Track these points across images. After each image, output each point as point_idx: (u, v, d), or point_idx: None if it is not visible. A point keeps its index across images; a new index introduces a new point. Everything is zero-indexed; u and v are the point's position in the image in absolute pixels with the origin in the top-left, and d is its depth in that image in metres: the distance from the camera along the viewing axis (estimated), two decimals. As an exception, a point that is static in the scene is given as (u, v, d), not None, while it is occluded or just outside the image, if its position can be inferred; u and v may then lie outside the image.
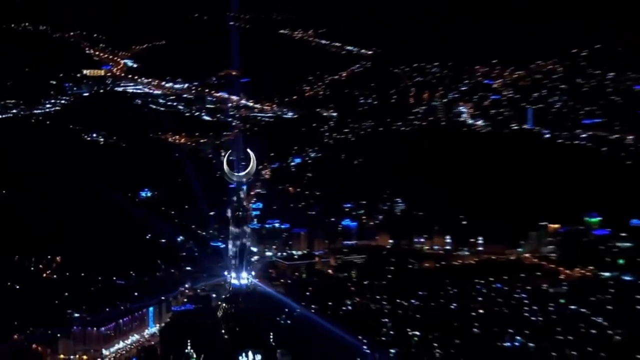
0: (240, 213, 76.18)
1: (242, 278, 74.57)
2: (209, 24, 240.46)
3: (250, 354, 73.62)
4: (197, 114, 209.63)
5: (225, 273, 75.12)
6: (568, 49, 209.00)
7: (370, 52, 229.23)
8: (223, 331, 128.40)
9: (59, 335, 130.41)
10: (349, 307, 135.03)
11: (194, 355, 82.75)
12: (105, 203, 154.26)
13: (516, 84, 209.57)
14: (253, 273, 78.10)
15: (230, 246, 75.97)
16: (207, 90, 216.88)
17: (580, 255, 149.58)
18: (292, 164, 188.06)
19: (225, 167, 72.13)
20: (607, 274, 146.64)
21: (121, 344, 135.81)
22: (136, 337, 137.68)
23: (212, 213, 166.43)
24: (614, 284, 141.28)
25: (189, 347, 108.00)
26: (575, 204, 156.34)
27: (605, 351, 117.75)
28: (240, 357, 74.85)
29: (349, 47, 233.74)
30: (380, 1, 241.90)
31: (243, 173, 71.57)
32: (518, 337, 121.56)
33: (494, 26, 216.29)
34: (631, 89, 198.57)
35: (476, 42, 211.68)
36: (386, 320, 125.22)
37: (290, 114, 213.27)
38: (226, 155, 73.50)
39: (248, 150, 75.19)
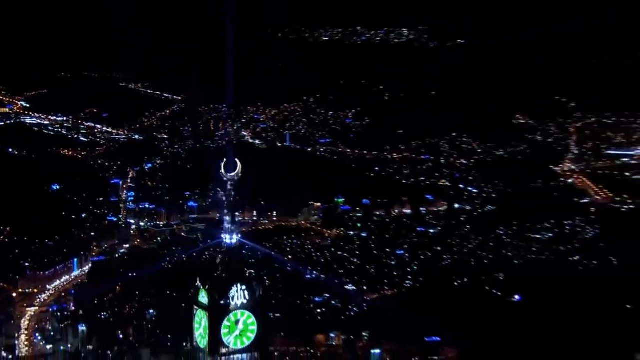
0: (232, 199, 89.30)
1: (232, 239, 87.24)
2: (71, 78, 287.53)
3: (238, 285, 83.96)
4: (76, 136, 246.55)
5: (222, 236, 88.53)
6: (304, 96, 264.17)
7: (180, 98, 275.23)
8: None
9: (17, 277, 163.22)
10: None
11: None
12: (33, 191, 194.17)
13: (274, 118, 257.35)
14: (239, 236, 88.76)
15: (225, 219, 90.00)
16: (79, 121, 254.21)
17: (334, 221, 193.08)
18: (146, 167, 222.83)
19: (222, 169, 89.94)
20: (350, 232, 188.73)
21: (57, 282, 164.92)
22: (66, 277, 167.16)
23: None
24: (356, 238, 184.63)
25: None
26: (329, 192, 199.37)
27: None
28: (233, 288, 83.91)
29: (166, 95, 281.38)
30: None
31: (233, 174, 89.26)
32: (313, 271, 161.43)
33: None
34: (345, 123, 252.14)
35: (247, 90, 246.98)
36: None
37: (137, 136, 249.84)
38: (223, 163, 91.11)
39: (236, 159, 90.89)
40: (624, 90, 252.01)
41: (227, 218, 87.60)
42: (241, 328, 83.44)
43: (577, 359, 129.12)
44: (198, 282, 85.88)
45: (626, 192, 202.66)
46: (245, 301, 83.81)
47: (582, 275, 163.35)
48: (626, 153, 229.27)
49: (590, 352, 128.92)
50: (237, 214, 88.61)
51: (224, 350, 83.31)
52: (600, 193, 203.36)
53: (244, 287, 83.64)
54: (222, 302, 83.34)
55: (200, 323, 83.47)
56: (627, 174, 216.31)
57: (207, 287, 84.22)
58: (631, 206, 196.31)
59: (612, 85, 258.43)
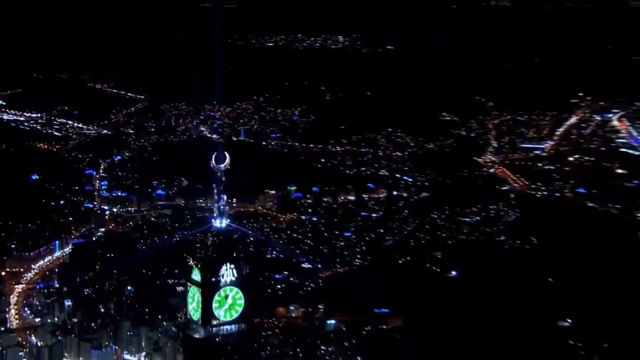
0: (222, 187, 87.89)
1: (222, 223, 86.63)
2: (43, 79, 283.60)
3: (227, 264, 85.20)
4: (50, 131, 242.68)
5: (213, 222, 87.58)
6: (254, 96, 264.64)
7: (143, 96, 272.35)
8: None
9: (4, 257, 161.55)
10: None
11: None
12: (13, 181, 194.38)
13: (229, 115, 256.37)
14: (228, 221, 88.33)
15: (215, 207, 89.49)
16: (52, 118, 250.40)
17: (287, 207, 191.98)
18: (116, 159, 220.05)
19: (213, 161, 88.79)
20: (303, 217, 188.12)
21: (41, 262, 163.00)
22: (49, 257, 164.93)
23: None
24: (308, 223, 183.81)
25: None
26: (281, 181, 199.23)
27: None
28: (223, 267, 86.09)
29: (130, 94, 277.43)
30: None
31: (222, 165, 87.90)
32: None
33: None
34: (292, 119, 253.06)
35: (203, 90, 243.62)
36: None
37: (106, 131, 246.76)
38: (214, 156, 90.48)
39: (225, 152, 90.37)
40: (533, 92, 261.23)
41: (217, 204, 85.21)
42: (230, 302, 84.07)
43: (506, 325, 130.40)
44: (191, 261, 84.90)
45: (539, 180, 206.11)
46: (233, 278, 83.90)
47: (508, 253, 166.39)
48: (537, 146, 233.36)
49: (517, 319, 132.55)
50: (224, 201, 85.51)
51: (214, 322, 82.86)
52: (517, 181, 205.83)
53: (232, 266, 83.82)
54: (213, 279, 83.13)
55: (194, 298, 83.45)
56: (539, 164, 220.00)
57: (199, 266, 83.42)
58: (544, 192, 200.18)
59: (523, 87, 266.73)
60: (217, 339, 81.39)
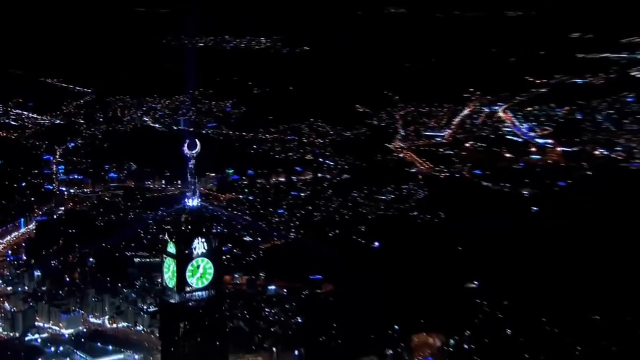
0: (194, 170, 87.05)
1: (194, 202, 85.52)
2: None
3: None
4: (7, 121, 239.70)
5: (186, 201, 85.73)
6: (190, 90, 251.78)
7: (91, 90, 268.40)
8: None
9: None
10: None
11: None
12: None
13: (169, 107, 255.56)
14: (200, 200, 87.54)
15: (188, 187, 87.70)
16: (9, 109, 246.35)
17: (227, 188, 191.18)
18: (70, 146, 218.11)
19: (185, 148, 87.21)
20: (241, 196, 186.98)
21: (9, 237, 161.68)
22: (15, 233, 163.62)
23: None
24: (245, 201, 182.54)
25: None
26: (220, 165, 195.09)
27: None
28: (195, 241, 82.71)
29: (79, 88, 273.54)
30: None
31: (194, 151, 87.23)
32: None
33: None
34: (225, 111, 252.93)
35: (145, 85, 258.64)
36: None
37: (59, 121, 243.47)
38: (186, 143, 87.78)
39: (196, 139, 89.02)
40: (432, 87, 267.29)
41: (190, 186, 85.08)
42: (201, 272, 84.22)
43: (422, 287, 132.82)
44: (167, 236, 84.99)
45: (441, 163, 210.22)
46: (204, 251, 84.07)
47: (421, 225, 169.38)
48: (438, 134, 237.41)
49: (432, 282, 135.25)
50: (196, 183, 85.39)
51: (188, 289, 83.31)
52: (424, 164, 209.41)
53: (203, 240, 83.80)
54: (186, 252, 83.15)
55: (169, 268, 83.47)
56: (441, 150, 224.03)
57: (174, 240, 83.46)
58: (447, 174, 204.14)
59: (423, 84, 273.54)
60: (190, 304, 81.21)
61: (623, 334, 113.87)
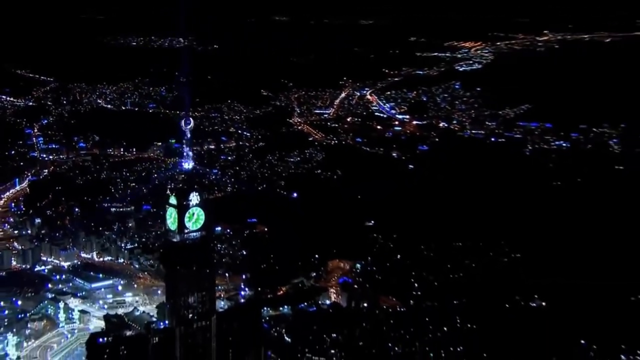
0: (188, 142, 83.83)
1: (189, 165, 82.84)
2: None
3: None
4: None
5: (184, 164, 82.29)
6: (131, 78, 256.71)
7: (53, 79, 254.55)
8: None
9: None
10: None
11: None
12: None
13: (115, 92, 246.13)
14: (193, 163, 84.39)
15: (184, 154, 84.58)
16: None
17: (171, 154, 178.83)
18: (44, 122, 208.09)
19: (182, 123, 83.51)
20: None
21: (7, 193, 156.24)
22: (12, 190, 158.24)
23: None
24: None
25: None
26: (163, 135, 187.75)
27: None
28: (191, 194, 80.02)
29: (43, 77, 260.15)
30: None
31: (189, 126, 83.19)
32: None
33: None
34: (161, 94, 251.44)
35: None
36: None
37: (31, 103, 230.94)
38: (183, 121, 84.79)
39: (190, 118, 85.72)
40: (316, 76, 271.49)
41: (185, 153, 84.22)
42: (195, 218, 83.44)
43: (327, 226, 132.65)
44: (169, 191, 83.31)
45: (330, 133, 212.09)
46: (197, 201, 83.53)
47: (325, 180, 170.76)
48: (324, 112, 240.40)
49: (335, 222, 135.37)
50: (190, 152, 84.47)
51: (186, 231, 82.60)
52: (317, 134, 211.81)
53: (197, 194, 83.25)
54: (184, 202, 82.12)
55: (171, 215, 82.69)
56: (328, 123, 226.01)
57: (175, 193, 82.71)
58: (335, 141, 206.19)
59: (309, 73, 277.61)
60: (188, 242, 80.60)
61: (477, 254, 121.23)
